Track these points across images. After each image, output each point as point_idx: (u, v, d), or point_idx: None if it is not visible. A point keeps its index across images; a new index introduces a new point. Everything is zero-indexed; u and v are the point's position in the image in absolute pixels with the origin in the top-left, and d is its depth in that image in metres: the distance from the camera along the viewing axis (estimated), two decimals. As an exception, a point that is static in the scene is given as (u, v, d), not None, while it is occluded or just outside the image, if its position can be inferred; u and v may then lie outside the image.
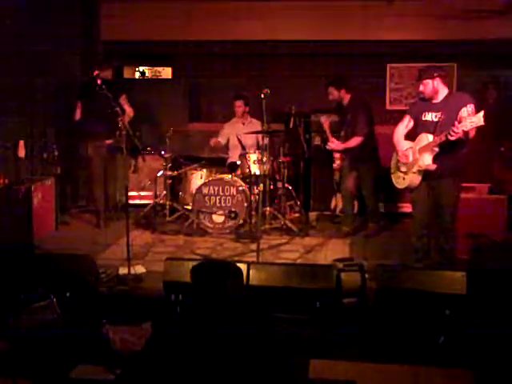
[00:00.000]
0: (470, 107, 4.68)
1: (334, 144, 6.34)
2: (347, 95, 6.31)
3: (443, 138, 4.60)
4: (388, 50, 7.88)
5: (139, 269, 5.08)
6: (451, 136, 4.48)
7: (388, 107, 8.19)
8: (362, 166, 6.34)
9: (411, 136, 5.10)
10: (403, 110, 8.05)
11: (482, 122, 4.33)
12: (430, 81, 4.82)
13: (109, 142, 6.65)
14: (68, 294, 4.13)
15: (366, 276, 4.25)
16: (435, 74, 4.81)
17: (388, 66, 8.13)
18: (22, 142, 6.00)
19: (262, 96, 5.20)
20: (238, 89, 7.62)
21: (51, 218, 6.52)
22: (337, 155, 6.52)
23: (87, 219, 7.08)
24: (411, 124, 5.08)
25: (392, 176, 5.22)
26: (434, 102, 4.90)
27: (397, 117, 8.01)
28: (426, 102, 4.95)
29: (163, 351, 2.37)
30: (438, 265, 4.96)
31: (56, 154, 6.67)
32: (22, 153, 5.99)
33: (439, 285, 3.94)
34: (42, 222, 6.14)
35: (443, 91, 4.86)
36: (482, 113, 4.33)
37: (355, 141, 6.18)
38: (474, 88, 7.68)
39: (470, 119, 4.39)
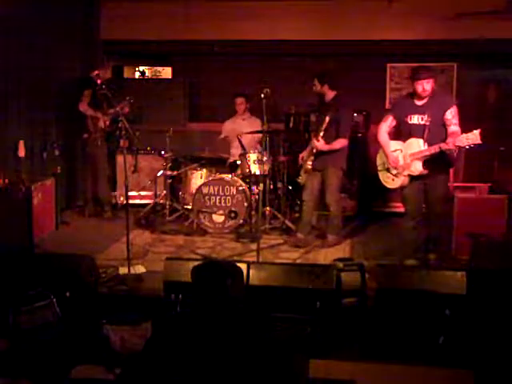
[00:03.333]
0: (454, 109, 4.84)
1: (319, 143, 5.73)
2: (330, 92, 5.88)
3: (437, 150, 4.74)
4: (388, 50, 7.88)
5: (139, 269, 5.09)
6: (447, 150, 4.70)
7: (388, 107, 8.18)
8: (330, 168, 5.85)
9: (393, 133, 5.23)
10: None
11: (478, 141, 4.44)
12: (432, 79, 4.86)
13: (85, 136, 6.91)
14: (68, 294, 4.12)
15: (366, 276, 4.25)
16: (434, 74, 4.90)
17: (388, 65, 8.14)
18: (21, 142, 6.00)
19: (262, 96, 5.19)
20: (237, 89, 7.62)
21: (51, 217, 6.51)
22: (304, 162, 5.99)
23: (87, 219, 7.10)
24: (394, 123, 5.16)
25: (379, 173, 5.31)
26: (418, 103, 4.95)
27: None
28: (410, 103, 5.00)
29: (163, 351, 2.37)
30: (436, 259, 5.02)
31: (56, 153, 6.68)
32: (22, 153, 5.99)
33: (439, 285, 3.94)
34: (42, 222, 6.13)
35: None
36: (478, 131, 4.44)
37: (340, 143, 5.78)
38: (474, 87, 7.70)
39: (467, 136, 4.51)
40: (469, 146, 4.52)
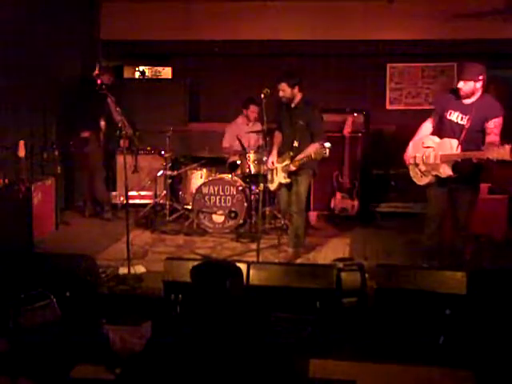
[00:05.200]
0: (498, 120, 4.54)
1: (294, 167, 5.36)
2: (299, 95, 5.42)
3: (467, 157, 4.48)
4: (388, 50, 7.89)
5: (139, 269, 5.08)
6: (476, 160, 4.42)
7: (388, 107, 8.20)
8: (302, 174, 5.45)
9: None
10: (403, 110, 8.15)
11: (508, 157, 4.15)
12: (472, 82, 4.53)
13: (85, 134, 6.87)
14: (68, 294, 4.13)
15: (366, 276, 4.25)
16: (480, 77, 4.52)
17: (388, 65, 8.14)
18: (22, 142, 5.99)
19: (262, 96, 5.18)
20: (237, 89, 7.63)
21: (51, 217, 6.51)
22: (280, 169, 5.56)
23: (87, 219, 7.11)
24: (437, 117, 4.83)
25: (409, 167, 5.01)
26: (464, 102, 4.63)
27: (397, 117, 8.08)
28: (455, 98, 4.69)
29: (163, 351, 2.37)
30: (447, 264, 4.91)
31: (56, 153, 6.68)
32: (22, 153, 5.98)
33: (439, 285, 3.94)
34: (41, 221, 6.13)
35: (478, 93, 4.59)
36: (509, 146, 4.15)
37: (313, 148, 5.24)
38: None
39: (498, 151, 4.22)
40: (498, 160, 4.23)
